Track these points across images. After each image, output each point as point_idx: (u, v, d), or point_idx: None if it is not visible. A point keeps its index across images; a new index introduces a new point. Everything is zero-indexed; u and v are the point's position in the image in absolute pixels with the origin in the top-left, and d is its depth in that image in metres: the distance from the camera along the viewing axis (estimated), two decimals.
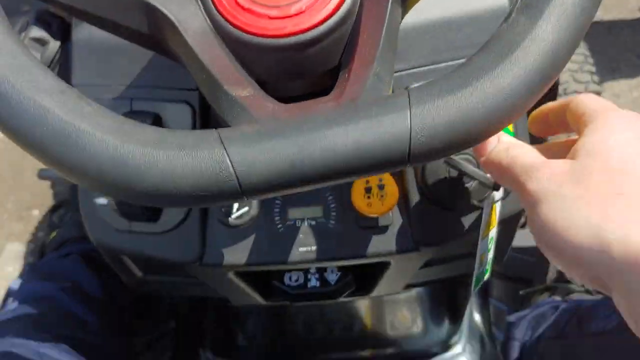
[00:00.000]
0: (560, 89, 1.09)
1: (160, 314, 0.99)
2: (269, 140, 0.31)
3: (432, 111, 0.31)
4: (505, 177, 0.38)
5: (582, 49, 1.16)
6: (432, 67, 0.53)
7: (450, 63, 0.52)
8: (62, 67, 0.55)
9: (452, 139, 0.31)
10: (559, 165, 0.35)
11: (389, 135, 0.31)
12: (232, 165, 0.30)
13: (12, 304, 0.74)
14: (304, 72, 0.38)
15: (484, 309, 1.02)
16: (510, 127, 0.53)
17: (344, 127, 0.31)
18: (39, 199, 1.49)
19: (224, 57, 0.36)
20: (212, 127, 0.32)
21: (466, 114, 0.31)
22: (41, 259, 1.01)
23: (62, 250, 0.92)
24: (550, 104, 0.44)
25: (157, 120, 0.52)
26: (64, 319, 0.70)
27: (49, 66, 0.53)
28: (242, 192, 0.31)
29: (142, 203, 0.32)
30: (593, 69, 1.13)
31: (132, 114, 0.52)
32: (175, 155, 0.30)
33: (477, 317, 1.01)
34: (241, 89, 0.35)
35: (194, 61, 0.36)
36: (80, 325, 0.72)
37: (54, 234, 1.03)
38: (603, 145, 0.34)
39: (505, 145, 0.39)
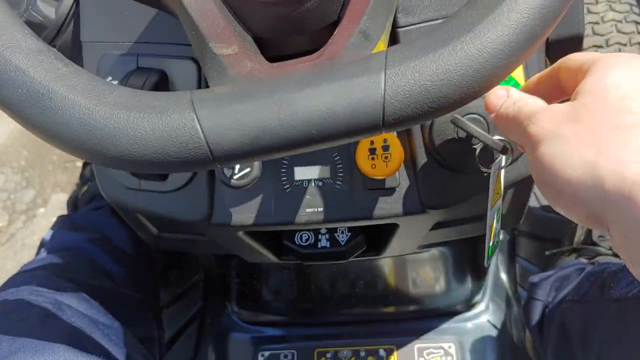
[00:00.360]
0: (602, 40, 1.03)
1: (188, 267, 1.02)
2: (240, 103, 0.30)
3: (407, 73, 0.29)
4: (512, 128, 0.38)
5: None
6: (441, 21, 0.50)
7: None
8: (76, 23, 0.55)
9: (428, 104, 0.30)
10: (559, 107, 0.35)
11: (362, 100, 0.29)
12: (202, 130, 0.30)
13: (42, 254, 0.77)
14: (303, 28, 0.37)
15: (510, 268, 1.00)
16: (522, 79, 0.51)
17: (315, 89, 0.30)
18: None
19: (216, 12, 0.35)
20: None
21: (443, 77, 0.29)
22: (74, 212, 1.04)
23: (93, 203, 0.94)
24: (538, 74, 0.44)
25: (163, 77, 0.52)
26: (89, 269, 0.72)
27: (63, 21, 0.54)
28: (213, 158, 0.30)
29: (114, 167, 0.31)
30: (639, 19, 1.05)
31: (139, 71, 0.52)
32: (144, 119, 0.30)
33: (503, 276, 1.00)
34: (226, 46, 0.34)
35: (186, 16, 0.35)
36: (106, 276, 0.74)
37: (85, 188, 1.06)
38: (602, 83, 0.33)
39: (513, 100, 0.39)
